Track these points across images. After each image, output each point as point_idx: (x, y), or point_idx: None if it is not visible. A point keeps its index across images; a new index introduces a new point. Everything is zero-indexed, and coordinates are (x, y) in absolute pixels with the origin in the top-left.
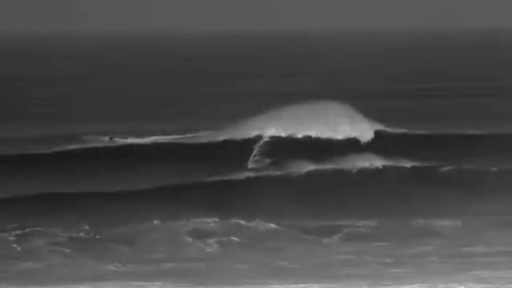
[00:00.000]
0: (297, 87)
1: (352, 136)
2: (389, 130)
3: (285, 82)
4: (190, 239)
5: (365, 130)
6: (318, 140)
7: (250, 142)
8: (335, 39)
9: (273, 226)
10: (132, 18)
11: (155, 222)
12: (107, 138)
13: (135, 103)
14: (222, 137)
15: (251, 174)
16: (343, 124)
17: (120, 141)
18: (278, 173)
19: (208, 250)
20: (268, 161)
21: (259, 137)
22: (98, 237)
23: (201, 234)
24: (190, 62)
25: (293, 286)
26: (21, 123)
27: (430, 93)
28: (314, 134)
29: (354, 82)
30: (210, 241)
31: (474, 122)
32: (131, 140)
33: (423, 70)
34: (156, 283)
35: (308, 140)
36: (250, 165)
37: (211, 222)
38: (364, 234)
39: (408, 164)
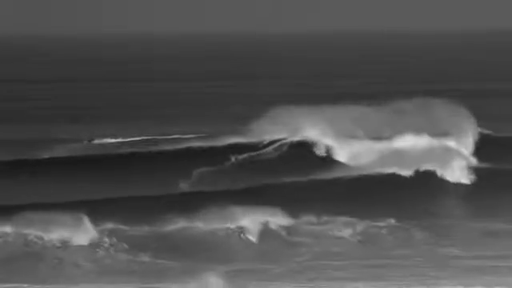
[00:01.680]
0: (297, 89)
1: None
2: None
3: (293, 83)
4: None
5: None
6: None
7: (267, 144)
8: (335, 40)
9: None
10: (131, 20)
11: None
12: (86, 141)
13: (136, 105)
14: (229, 139)
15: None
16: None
17: (100, 142)
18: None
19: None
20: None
21: (279, 139)
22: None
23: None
24: (191, 63)
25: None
26: (20, 125)
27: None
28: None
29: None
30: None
31: None
32: (112, 140)
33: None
34: (157, 285)
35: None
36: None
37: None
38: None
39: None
